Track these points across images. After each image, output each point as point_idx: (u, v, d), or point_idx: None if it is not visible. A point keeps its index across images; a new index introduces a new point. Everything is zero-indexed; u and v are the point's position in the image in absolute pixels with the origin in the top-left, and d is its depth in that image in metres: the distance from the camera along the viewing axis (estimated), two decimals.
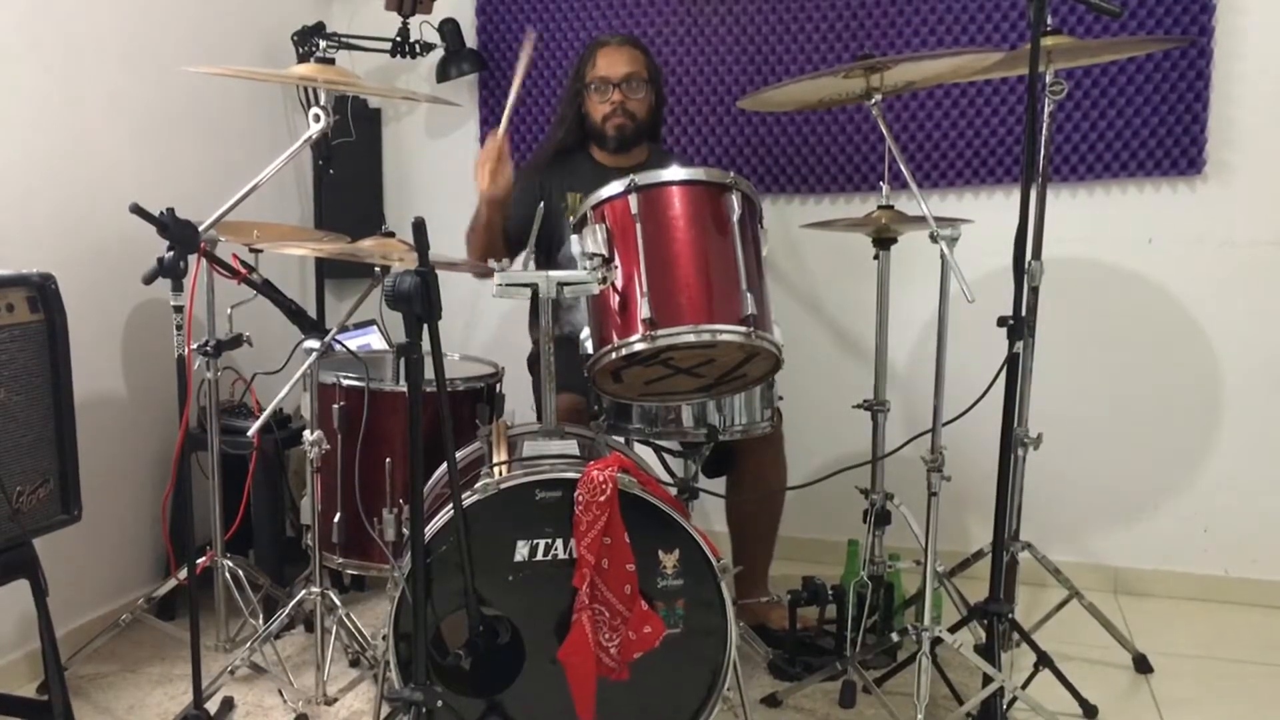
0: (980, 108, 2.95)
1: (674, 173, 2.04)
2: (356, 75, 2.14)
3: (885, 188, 2.30)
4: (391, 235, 2.28)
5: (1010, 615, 2.30)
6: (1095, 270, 2.92)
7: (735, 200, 1.97)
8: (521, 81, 2.44)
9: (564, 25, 3.26)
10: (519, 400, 2.70)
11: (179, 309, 1.92)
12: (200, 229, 1.92)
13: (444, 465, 2.08)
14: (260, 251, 2.41)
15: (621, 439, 2.27)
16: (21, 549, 1.93)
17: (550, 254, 2.63)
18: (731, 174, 2.00)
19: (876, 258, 2.40)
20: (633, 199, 1.95)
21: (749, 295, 1.91)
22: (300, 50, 3.16)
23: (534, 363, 2.73)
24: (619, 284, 1.92)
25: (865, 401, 2.46)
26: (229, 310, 2.38)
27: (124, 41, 2.64)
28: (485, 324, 3.33)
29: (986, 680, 1.96)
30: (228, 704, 2.26)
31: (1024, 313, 1.91)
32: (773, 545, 2.64)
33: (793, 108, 2.54)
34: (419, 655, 1.66)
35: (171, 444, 2.55)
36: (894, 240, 2.37)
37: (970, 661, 2.00)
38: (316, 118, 2.00)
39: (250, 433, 2.10)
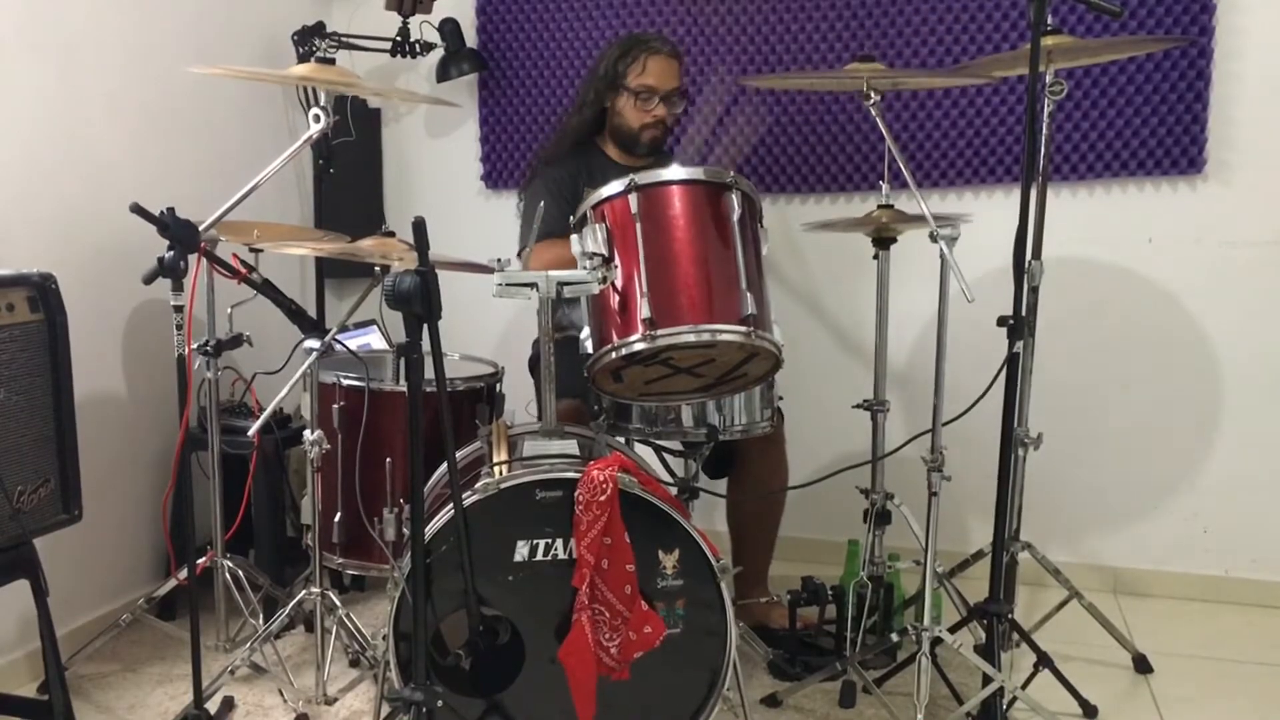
0: (980, 108, 2.95)
1: (674, 172, 2.03)
2: (356, 75, 2.14)
3: (885, 187, 2.30)
4: (391, 235, 2.27)
5: (1010, 615, 2.31)
6: (1095, 270, 2.92)
7: (735, 200, 1.97)
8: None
9: (564, 26, 3.26)
10: (519, 400, 2.70)
11: (179, 309, 1.92)
12: (200, 229, 1.92)
13: (444, 465, 2.08)
14: (260, 251, 2.41)
15: (622, 439, 2.27)
16: (22, 549, 1.93)
17: None
18: (731, 173, 2.00)
19: (876, 257, 2.39)
20: (632, 198, 1.95)
21: (749, 295, 1.91)
22: (300, 50, 3.16)
23: (535, 366, 2.72)
24: (619, 284, 1.92)
25: (865, 401, 2.46)
26: (229, 310, 2.38)
27: (124, 41, 2.64)
28: (486, 324, 3.33)
29: (986, 680, 1.96)
30: (228, 704, 2.26)
31: (1024, 313, 1.91)
32: (773, 545, 2.64)
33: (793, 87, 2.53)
34: (419, 655, 1.66)
35: (171, 444, 2.55)
36: (894, 240, 2.37)
37: (970, 661, 2.00)
38: (316, 118, 2.00)
39: (250, 432, 2.10)
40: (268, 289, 2.15)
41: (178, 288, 1.92)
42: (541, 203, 2.19)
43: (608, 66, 2.61)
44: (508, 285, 1.89)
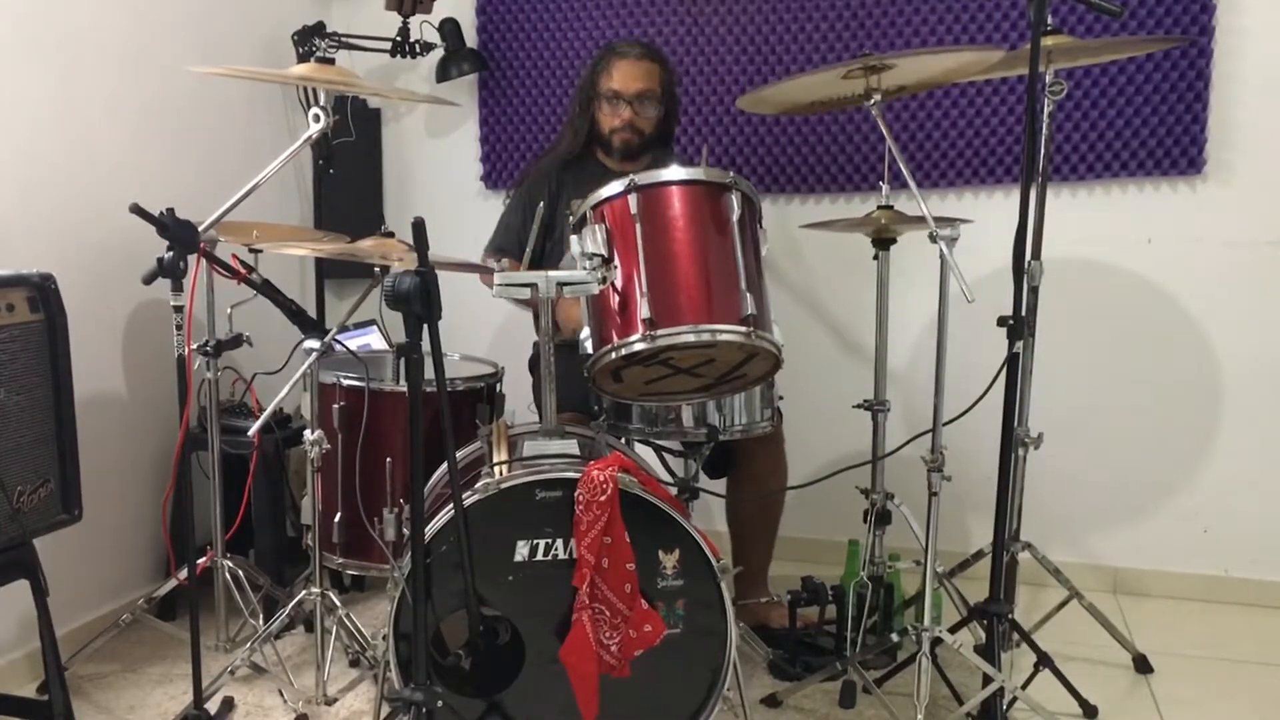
0: (980, 108, 2.95)
1: (673, 172, 2.03)
2: (356, 75, 2.14)
3: (885, 188, 2.30)
4: (391, 235, 2.28)
5: (1010, 615, 2.30)
6: (1095, 270, 2.92)
7: (735, 200, 1.97)
8: None
9: (564, 26, 3.26)
10: (519, 400, 2.70)
11: (179, 309, 1.92)
12: (200, 229, 1.92)
13: (444, 465, 2.08)
14: (260, 251, 2.41)
15: (622, 439, 2.27)
16: (22, 549, 1.93)
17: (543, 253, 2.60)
18: (731, 174, 2.00)
19: (876, 258, 2.40)
20: (632, 199, 1.94)
21: (748, 295, 1.91)
22: (300, 50, 3.16)
23: (535, 366, 2.72)
24: (618, 284, 1.92)
25: (865, 401, 2.46)
26: (229, 310, 2.38)
27: (124, 41, 2.63)
28: (486, 324, 3.33)
29: (986, 680, 1.96)
30: (228, 704, 2.26)
31: (1024, 313, 1.91)
32: (773, 545, 2.64)
33: (790, 111, 2.54)
34: (419, 655, 1.66)
35: (171, 444, 2.54)
36: (894, 240, 2.37)
37: (970, 662, 2.00)
38: (316, 118, 2.00)
39: (250, 433, 2.10)
40: (267, 289, 2.15)
41: (178, 288, 1.92)
42: (502, 215, 2.17)
43: (585, 78, 2.67)
44: (507, 285, 1.89)
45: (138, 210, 1.84)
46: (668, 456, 2.41)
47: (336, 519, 2.36)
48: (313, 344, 2.13)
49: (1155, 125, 2.82)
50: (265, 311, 2.22)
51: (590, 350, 1.99)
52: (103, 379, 2.60)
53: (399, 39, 3.22)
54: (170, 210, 1.89)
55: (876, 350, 2.44)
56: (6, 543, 1.90)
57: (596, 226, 1.96)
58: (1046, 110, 2.33)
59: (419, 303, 1.55)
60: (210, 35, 2.95)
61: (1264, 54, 2.73)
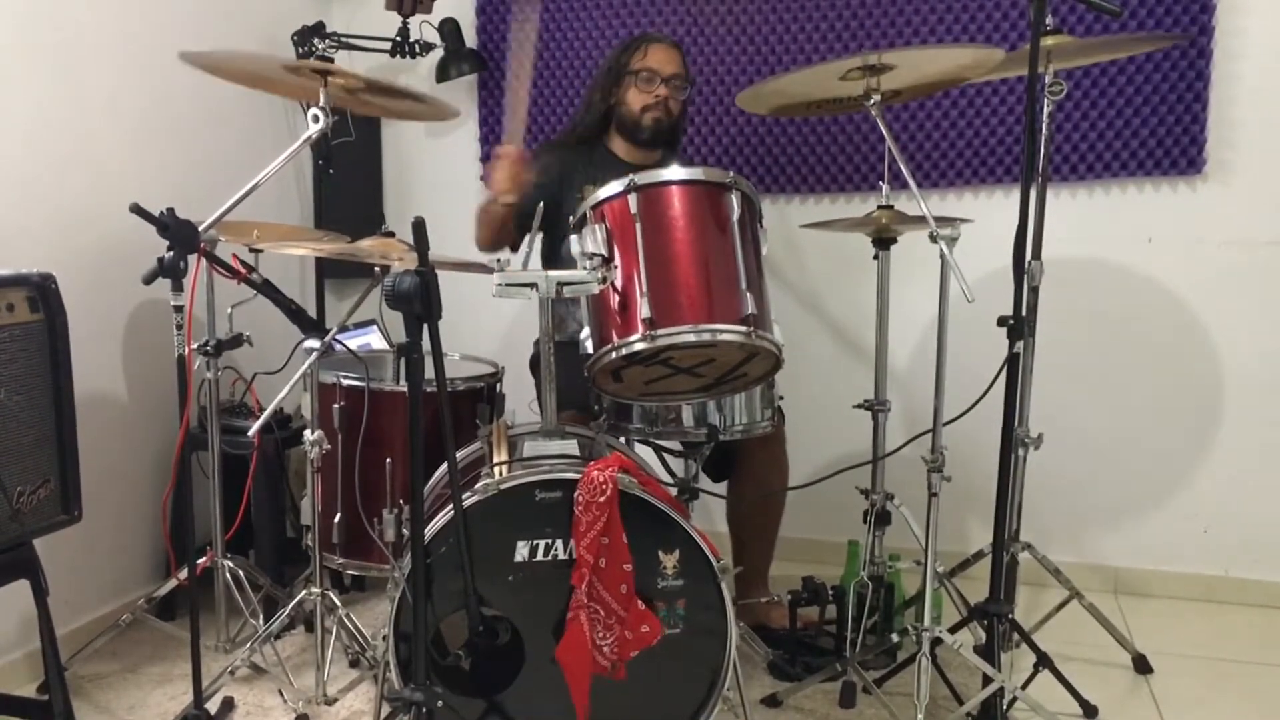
0: (980, 108, 2.95)
1: (673, 172, 2.03)
2: (357, 74, 2.14)
3: (885, 188, 2.30)
4: (391, 235, 2.28)
5: (1010, 615, 2.31)
6: (1095, 270, 2.92)
7: (735, 200, 1.97)
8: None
9: (565, 26, 3.26)
10: (519, 400, 2.70)
11: (179, 309, 1.92)
12: (200, 229, 1.92)
13: (444, 465, 2.08)
14: (260, 251, 2.41)
15: (622, 439, 2.27)
16: (22, 549, 1.93)
17: (554, 246, 2.60)
18: (731, 174, 2.00)
19: (876, 258, 2.39)
20: (632, 198, 1.94)
21: (749, 295, 1.91)
22: (300, 50, 3.16)
23: (536, 366, 2.72)
24: (619, 284, 1.92)
25: (865, 401, 2.46)
26: (229, 310, 2.38)
27: (124, 41, 2.64)
28: (487, 324, 3.33)
29: (986, 680, 1.96)
30: (228, 704, 2.26)
31: (1024, 313, 1.91)
32: (773, 545, 2.64)
33: (788, 112, 2.53)
34: (419, 655, 1.66)
35: (171, 444, 2.55)
36: (894, 240, 2.37)
37: (970, 662, 2.00)
38: (316, 118, 2.00)
39: (251, 433, 2.10)
40: (268, 289, 2.15)
41: (178, 288, 1.92)
42: None
43: (611, 62, 2.66)
44: (507, 285, 1.89)
45: (138, 210, 1.84)
46: (668, 456, 2.41)
47: (336, 519, 2.36)
48: (313, 344, 2.13)
49: (1155, 125, 2.82)
50: (265, 311, 2.22)
51: (590, 350, 1.99)
52: (103, 379, 2.60)
53: (399, 39, 3.22)
54: (170, 210, 1.89)
55: (876, 350, 2.44)
56: (6, 543, 1.90)
57: (596, 226, 1.96)
58: (1046, 110, 2.33)
59: (419, 303, 1.55)
60: (210, 35, 2.95)
61: (1264, 54, 2.73)
